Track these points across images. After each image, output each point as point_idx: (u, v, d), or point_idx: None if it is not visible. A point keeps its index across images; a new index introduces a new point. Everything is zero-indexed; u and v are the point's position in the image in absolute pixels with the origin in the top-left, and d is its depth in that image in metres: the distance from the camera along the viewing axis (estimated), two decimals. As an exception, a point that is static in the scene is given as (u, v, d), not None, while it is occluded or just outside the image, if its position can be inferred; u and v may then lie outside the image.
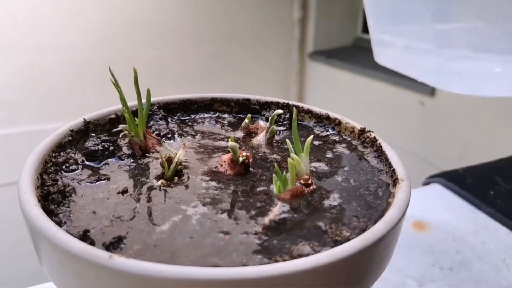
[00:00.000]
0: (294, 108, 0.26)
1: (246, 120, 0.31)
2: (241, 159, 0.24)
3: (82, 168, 0.24)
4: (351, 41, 1.82)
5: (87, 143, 0.26)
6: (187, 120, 0.32)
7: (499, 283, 0.36)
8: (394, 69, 0.39)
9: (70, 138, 0.26)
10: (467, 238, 0.41)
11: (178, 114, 0.33)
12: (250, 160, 0.25)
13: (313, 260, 0.16)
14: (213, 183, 0.23)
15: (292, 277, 0.16)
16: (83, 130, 0.28)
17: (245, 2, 1.65)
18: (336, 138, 0.30)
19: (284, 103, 0.33)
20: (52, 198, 0.21)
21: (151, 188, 0.23)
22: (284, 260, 0.17)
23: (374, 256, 0.18)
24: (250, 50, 1.71)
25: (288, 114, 0.32)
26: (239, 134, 0.31)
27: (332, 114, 0.31)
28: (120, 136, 0.27)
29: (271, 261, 0.17)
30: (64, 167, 0.24)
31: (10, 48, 1.31)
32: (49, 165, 0.23)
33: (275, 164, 0.22)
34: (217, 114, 0.34)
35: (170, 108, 0.32)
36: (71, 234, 0.18)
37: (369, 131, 0.29)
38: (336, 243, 0.19)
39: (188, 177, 0.24)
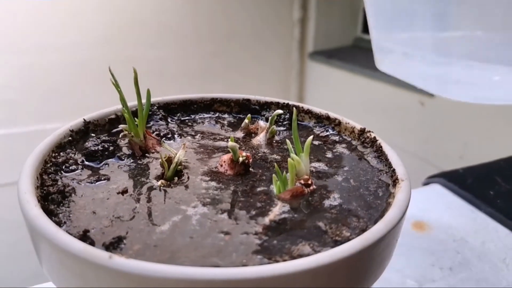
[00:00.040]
0: (294, 108, 0.26)
1: (246, 120, 0.31)
2: (241, 159, 0.24)
3: (82, 168, 0.24)
4: (351, 41, 1.82)
5: (87, 143, 0.26)
6: (187, 120, 0.32)
7: (499, 283, 0.36)
8: (395, 76, 0.39)
9: (70, 138, 0.26)
10: (467, 238, 0.41)
11: (178, 114, 0.33)
12: (250, 160, 0.25)
13: (313, 260, 0.16)
14: (213, 183, 0.23)
15: (292, 277, 0.16)
16: (83, 130, 0.28)
17: (245, 2, 1.65)
18: (336, 138, 0.30)
19: (284, 103, 0.33)
20: (52, 198, 0.21)
21: (151, 188, 0.23)
22: (284, 260, 0.17)
23: (374, 256, 0.18)
24: (250, 50, 1.71)
25: (288, 114, 0.32)
26: (239, 134, 0.31)
27: (332, 114, 0.31)
28: (120, 136, 0.27)
29: (271, 261, 0.17)
30: (64, 167, 0.24)
31: (10, 48, 1.31)
32: (49, 165, 0.23)
33: (275, 164, 0.22)
34: (217, 114, 0.34)
35: (170, 108, 0.32)
36: (71, 234, 0.18)
37: (369, 131, 0.29)
38: (336, 243, 0.19)
39: (188, 177, 0.24)
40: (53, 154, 0.24)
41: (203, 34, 1.61)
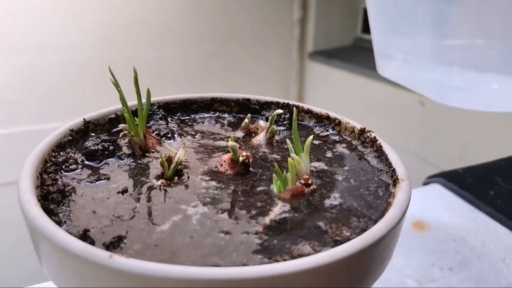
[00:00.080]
0: (294, 108, 0.26)
1: (246, 120, 0.30)
2: (241, 159, 0.24)
3: (82, 168, 0.24)
4: (351, 41, 1.82)
5: (87, 142, 0.26)
6: (187, 120, 0.32)
7: (499, 283, 0.36)
8: (396, 82, 0.39)
9: (70, 137, 0.26)
10: (467, 238, 0.41)
11: (178, 114, 0.33)
12: (250, 160, 0.25)
13: (313, 260, 0.16)
14: (213, 183, 0.23)
15: (292, 277, 0.16)
16: (83, 130, 0.28)
17: (245, 2, 1.65)
18: (336, 138, 0.30)
19: (284, 103, 0.33)
20: (52, 197, 0.21)
21: (151, 188, 0.23)
22: (285, 260, 0.17)
23: (374, 256, 0.18)
24: (250, 50, 1.71)
25: (288, 114, 0.32)
26: (239, 134, 0.31)
27: (332, 114, 0.31)
28: (120, 135, 0.27)
29: (272, 261, 0.17)
30: (64, 166, 0.24)
31: (10, 48, 1.31)
32: (48, 164, 0.23)
33: (275, 164, 0.22)
34: (217, 114, 0.33)
35: (170, 108, 0.32)
36: (71, 233, 0.18)
37: (369, 131, 0.29)
38: (337, 243, 0.19)
39: (188, 177, 0.24)
40: (53, 154, 0.24)
41: (203, 34, 1.61)
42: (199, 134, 0.30)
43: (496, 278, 0.36)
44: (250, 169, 0.25)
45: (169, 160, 0.24)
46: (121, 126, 0.26)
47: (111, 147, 0.26)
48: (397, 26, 0.39)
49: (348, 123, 0.30)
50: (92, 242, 0.18)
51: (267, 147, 0.29)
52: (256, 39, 1.71)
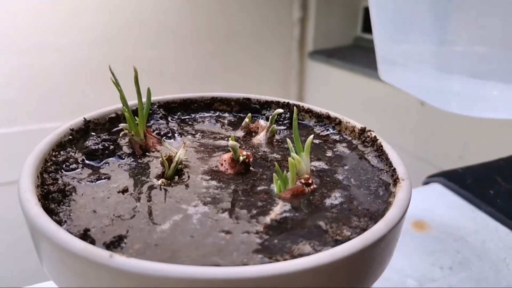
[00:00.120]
0: (294, 107, 0.26)
1: (247, 119, 0.30)
2: (241, 158, 0.24)
3: (82, 167, 0.24)
4: (351, 40, 1.82)
5: (87, 142, 0.26)
6: (187, 119, 0.32)
7: (499, 283, 0.36)
8: (398, 87, 0.40)
9: (70, 137, 0.26)
10: (467, 238, 0.41)
11: (178, 113, 0.32)
12: (251, 159, 0.25)
13: (313, 259, 0.16)
14: (214, 182, 0.23)
15: (293, 277, 0.15)
16: (83, 129, 0.28)
17: (245, 2, 1.65)
18: (337, 137, 0.30)
19: (284, 102, 0.33)
20: (52, 197, 0.21)
21: (151, 187, 0.23)
22: (285, 260, 0.17)
23: (374, 255, 0.18)
24: (250, 50, 1.71)
25: (288, 113, 0.32)
26: (240, 133, 0.31)
27: (333, 114, 0.31)
28: (121, 135, 0.27)
29: (272, 261, 0.17)
30: (64, 166, 0.24)
31: (10, 48, 1.31)
32: (49, 164, 0.23)
33: (276, 163, 0.22)
34: (217, 113, 0.33)
35: (171, 107, 0.32)
36: (71, 233, 0.18)
37: (370, 131, 0.29)
38: (337, 242, 0.19)
39: (189, 176, 0.24)
40: (54, 153, 0.24)
41: (203, 34, 1.61)
42: (199, 134, 0.30)
43: (496, 278, 0.36)
44: (251, 168, 0.25)
45: (170, 159, 0.24)
46: (122, 125, 0.26)
47: (112, 147, 0.26)
48: (399, 32, 0.39)
49: (349, 122, 0.30)
50: (92, 242, 0.18)
51: (268, 146, 0.28)
52: (256, 39, 1.71)
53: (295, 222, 0.20)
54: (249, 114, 0.31)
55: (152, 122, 0.30)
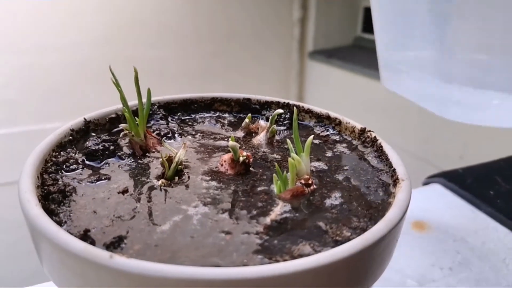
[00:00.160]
0: (294, 107, 0.26)
1: (247, 120, 0.31)
2: (241, 158, 0.24)
3: (83, 168, 0.24)
4: (351, 40, 1.82)
5: (87, 142, 0.26)
6: (187, 120, 0.32)
7: (499, 283, 0.36)
8: (399, 94, 0.40)
9: (70, 137, 0.26)
10: (467, 238, 0.41)
11: (178, 114, 0.33)
12: (251, 159, 0.25)
13: (313, 260, 0.16)
14: (214, 183, 0.23)
15: (293, 277, 0.16)
16: (84, 130, 0.28)
17: (245, 2, 1.65)
18: (337, 137, 0.30)
19: (284, 102, 0.33)
20: (53, 197, 0.21)
21: (151, 188, 0.23)
22: (285, 260, 0.17)
23: (374, 256, 0.18)
24: (250, 50, 1.71)
25: (288, 113, 0.32)
26: (240, 133, 0.31)
27: (333, 114, 0.31)
28: (121, 135, 0.27)
29: (272, 261, 0.17)
30: (64, 166, 0.24)
31: (10, 48, 1.31)
32: (49, 164, 0.23)
33: (276, 163, 0.22)
34: (217, 114, 0.34)
35: (171, 108, 0.32)
36: (71, 233, 0.18)
37: (370, 131, 0.29)
38: (337, 243, 0.19)
39: (189, 177, 0.24)
40: (54, 154, 0.24)
41: (203, 34, 1.61)
42: (199, 134, 0.30)
43: (496, 278, 0.36)
44: (251, 169, 0.25)
45: (170, 160, 0.24)
46: (122, 126, 0.26)
47: (112, 147, 0.26)
48: (401, 40, 0.40)
49: (349, 123, 0.30)
50: (92, 242, 0.18)
51: (268, 147, 0.29)
52: (256, 39, 1.71)
53: (295, 223, 0.20)
54: (249, 115, 0.31)
55: (152, 122, 0.30)
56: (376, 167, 0.26)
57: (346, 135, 0.30)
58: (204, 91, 0.34)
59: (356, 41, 1.81)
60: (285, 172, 0.22)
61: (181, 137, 0.29)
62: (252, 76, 1.75)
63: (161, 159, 0.24)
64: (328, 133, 0.31)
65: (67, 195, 0.21)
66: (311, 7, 1.72)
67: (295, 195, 0.22)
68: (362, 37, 1.79)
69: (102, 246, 0.18)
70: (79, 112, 0.29)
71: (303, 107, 0.32)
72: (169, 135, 0.29)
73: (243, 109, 0.34)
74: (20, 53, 1.32)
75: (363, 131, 0.29)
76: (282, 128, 0.32)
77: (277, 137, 0.30)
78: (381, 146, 0.27)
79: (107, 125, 0.29)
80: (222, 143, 0.29)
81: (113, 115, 0.29)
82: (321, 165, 0.26)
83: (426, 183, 0.51)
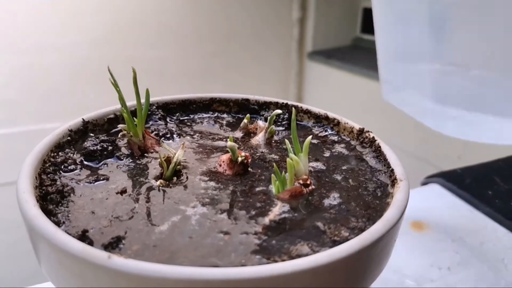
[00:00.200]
0: (293, 108, 0.26)
1: (245, 120, 0.31)
2: (240, 159, 0.24)
3: (81, 168, 0.24)
4: (350, 41, 1.82)
5: (85, 143, 0.26)
6: (186, 120, 0.32)
7: (497, 283, 0.36)
8: (398, 107, 0.41)
9: (68, 138, 0.26)
10: (466, 238, 0.41)
11: (177, 114, 0.33)
12: (249, 160, 0.25)
13: (311, 260, 0.16)
14: (212, 183, 0.23)
15: (291, 277, 0.16)
16: (82, 130, 0.28)
17: (245, 2, 1.65)
18: (335, 138, 0.30)
19: (283, 103, 0.33)
20: (51, 198, 0.21)
21: (150, 188, 0.23)
22: (283, 260, 0.17)
23: (372, 256, 0.18)
24: (250, 50, 1.71)
25: (287, 114, 0.32)
26: (238, 134, 0.31)
27: (331, 114, 0.31)
28: (119, 136, 0.27)
29: (270, 261, 0.17)
30: (62, 167, 0.24)
31: (10, 48, 1.31)
32: (47, 165, 0.23)
33: (274, 164, 0.22)
34: (216, 114, 0.34)
35: (169, 108, 0.32)
36: (69, 234, 0.18)
37: (368, 131, 0.29)
38: (335, 243, 0.19)
39: (187, 177, 0.24)
40: (52, 154, 0.24)
41: (203, 34, 1.61)
42: (198, 134, 0.30)
43: (494, 278, 0.36)
44: (249, 169, 0.25)
45: (168, 160, 0.24)
46: (120, 126, 0.26)
47: (110, 148, 0.26)
48: (401, 57, 0.41)
49: (347, 123, 0.30)
50: (91, 243, 0.18)
51: (266, 147, 0.29)
52: (256, 39, 1.71)
53: (293, 223, 0.20)
54: (248, 115, 0.31)
55: (150, 123, 0.30)
56: (374, 168, 0.26)
57: (344, 135, 0.30)
58: (204, 91, 0.34)
59: (355, 41, 1.81)
60: (283, 172, 0.22)
61: (179, 137, 0.29)
62: (252, 76, 1.75)
63: (159, 160, 0.24)
64: (326, 133, 0.31)
65: (65, 196, 0.21)
66: (310, 8, 1.72)
67: (293, 195, 0.22)
68: (361, 37, 1.79)
69: (100, 246, 0.18)
70: (79, 112, 0.29)
71: (301, 107, 0.33)
72: (168, 136, 0.29)
73: (242, 109, 0.34)
74: (20, 53, 1.33)
75: (361, 131, 0.29)
76: (281, 128, 0.32)
77: (275, 138, 0.30)
78: (380, 147, 0.27)
79: (105, 125, 0.29)
80: (221, 143, 0.29)
81: (112, 116, 0.29)
82: (320, 165, 0.26)
83: (424, 183, 0.51)
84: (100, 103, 0.38)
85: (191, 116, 0.33)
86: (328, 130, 0.31)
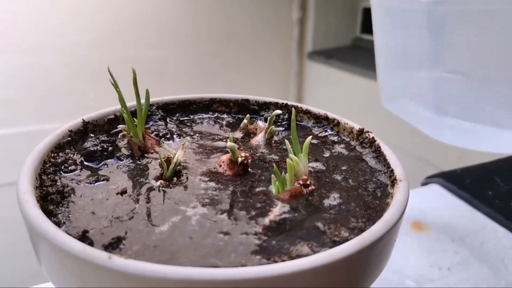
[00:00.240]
0: (293, 108, 0.26)
1: (245, 121, 0.31)
2: (240, 159, 0.24)
3: (81, 169, 0.24)
4: (350, 41, 1.82)
5: (86, 143, 0.26)
6: (186, 121, 0.32)
7: (497, 283, 0.36)
8: (397, 115, 0.41)
9: (69, 138, 0.26)
10: (466, 239, 0.41)
11: (177, 115, 0.33)
12: (249, 160, 0.25)
13: (311, 260, 0.16)
14: (212, 184, 0.23)
15: (291, 278, 0.16)
16: (82, 131, 0.28)
17: (245, 2, 1.65)
18: (335, 138, 0.30)
19: (283, 103, 0.33)
20: (51, 198, 0.21)
21: (150, 189, 0.23)
22: (283, 261, 0.18)
23: (372, 256, 0.18)
24: (250, 50, 1.71)
25: (287, 114, 0.32)
26: (238, 134, 0.31)
27: (331, 115, 0.31)
28: (119, 136, 0.27)
29: (270, 262, 0.18)
30: (63, 167, 0.24)
31: (10, 48, 1.31)
32: (48, 165, 0.23)
33: (274, 164, 0.22)
34: (216, 115, 0.34)
35: (169, 109, 0.33)
36: (70, 234, 0.18)
37: (368, 132, 0.29)
38: (335, 243, 0.19)
39: (187, 178, 0.24)
40: (52, 155, 0.24)
41: (203, 34, 1.61)
42: (198, 135, 0.30)
43: (494, 279, 0.36)
44: (249, 169, 0.25)
45: (168, 160, 0.24)
46: (120, 126, 0.26)
47: (110, 148, 0.26)
48: (400, 66, 0.41)
49: (347, 123, 0.30)
50: (91, 243, 0.18)
51: (266, 147, 0.29)
52: (256, 39, 1.71)
53: (293, 223, 0.20)
54: (248, 115, 0.31)
55: (150, 123, 0.30)
56: (374, 168, 0.26)
57: (344, 135, 0.30)
58: (204, 91, 0.34)
59: (355, 41, 1.81)
60: (283, 172, 0.22)
61: (179, 138, 0.29)
62: (252, 76, 1.75)
63: (159, 160, 0.24)
64: (326, 133, 0.31)
65: (66, 196, 0.21)
66: (310, 8, 1.72)
67: (293, 195, 0.22)
68: (361, 37, 1.79)
69: (101, 247, 0.18)
70: (79, 112, 0.29)
71: (301, 107, 0.33)
72: (168, 136, 0.29)
73: (242, 110, 0.34)
74: (20, 53, 1.33)
75: (361, 131, 0.29)
76: (281, 129, 0.32)
77: (275, 138, 0.30)
78: (379, 147, 0.27)
79: (105, 126, 0.29)
80: (221, 144, 0.29)
81: (112, 116, 0.29)
82: (319, 165, 0.26)
83: (424, 184, 0.51)
84: (100, 103, 0.38)
85: (191, 116, 0.33)
86: (328, 130, 0.31)
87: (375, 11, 0.40)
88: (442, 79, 0.36)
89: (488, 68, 0.33)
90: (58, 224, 0.19)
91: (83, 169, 0.24)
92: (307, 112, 0.32)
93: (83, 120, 0.28)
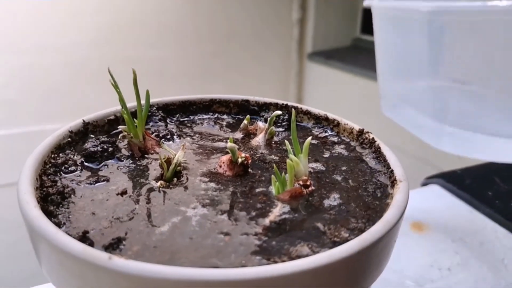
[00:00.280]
0: (293, 109, 0.26)
1: (245, 121, 0.31)
2: (240, 160, 0.24)
3: (81, 170, 0.24)
4: (350, 41, 1.82)
5: (86, 144, 0.26)
6: (186, 121, 0.32)
7: (497, 283, 0.36)
8: (397, 122, 0.42)
9: (69, 139, 0.26)
10: (466, 239, 0.41)
11: (177, 115, 0.33)
12: (249, 161, 0.25)
13: (311, 261, 0.16)
14: (212, 184, 0.24)
15: (291, 278, 0.16)
16: (82, 131, 0.28)
17: (245, 2, 1.65)
18: (335, 139, 0.30)
19: (283, 104, 0.33)
20: (52, 199, 0.21)
21: (150, 189, 0.23)
22: (283, 261, 0.18)
23: (372, 257, 0.18)
24: (249, 50, 1.72)
25: (287, 115, 0.32)
26: (238, 135, 0.31)
27: (331, 115, 0.31)
28: (119, 137, 0.27)
29: (270, 262, 0.18)
30: (63, 168, 0.24)
31: (10, 48, 1.31)
32: (48, 166, 0.23)
33: (274, 165, 0.22)
34: (216, 115, 0.34)
35: (169, 109, 0.33)
36: (70, 235, 0.18)
37: (368, 132, 0.29)
38: (335, 244, 0.19)
39: (187, 178, 0.24)
40: (53, 155, 0.24)
41: (203, 34, 1.61)
42: (198, 136, 0.30)
43: (494, 279, 0.37)
44: (249, 170, 0.25)
45: (168, 161, 0.24)
46: (120, 127, 0.26)
47: (110, 149, 0.26)
48: (400, 75, 0.42)
49: (347, 124, 0.30)
50: (91, 244, 0.18)
51: (266, 148, 0.29)
52: (256, 39, 1.71)
53: (293, 224, 0.20)
54: (248, 116, 0.31)
55: (151, 124, 0.30)
56: (374, 168, 0.26)
57: (344, 136, 0.30)
58: (204, 91, 0.34)
59: (355, 42, 1.81)
60: (283, 173, 0.22)
61: (179, 138, 0.29)
62: (252, 77, 1.76)
63: (159, 161, 0.24)
64: (326, 134, 0.31)
65: (66, 197, 0.21)
66: (310, 8, 1.72)
67: (293, 196, 0.22)
68: (361, 38, 1.79)
69: (101, 247, 0.18)
70: (79, 112, 0.29)
71: (301, 108, 0.33)
72: (168, 137, 0.29)
73: (242, 110, 0.34)
74: (20, 53, 1.33)
75: (361, 132, 0.29)
76: (281, 129, 0.32)
77: (275, 139, 0.30)
78: (379, 148, 0.27)
79: (105, 126, 0.29)
80: (221, 144, 0.29)
81: (112, 117, 0.29)
82: (319, 166, 0.26)
83: (424, 184, 0.51)
84: (100, 103, 0.38)
85: (191, 117, 0.33)
86: (328, 131, 0.31)
87: (376, 20, 0.40)
88: (441, 88, 0.36)
89: (486, 77, 0.34)
90: (59, 224, 0.19)
91: (84, 170, 0.24)
92: (307, 113, 0.32)
93: (84, 120, 0.28)
